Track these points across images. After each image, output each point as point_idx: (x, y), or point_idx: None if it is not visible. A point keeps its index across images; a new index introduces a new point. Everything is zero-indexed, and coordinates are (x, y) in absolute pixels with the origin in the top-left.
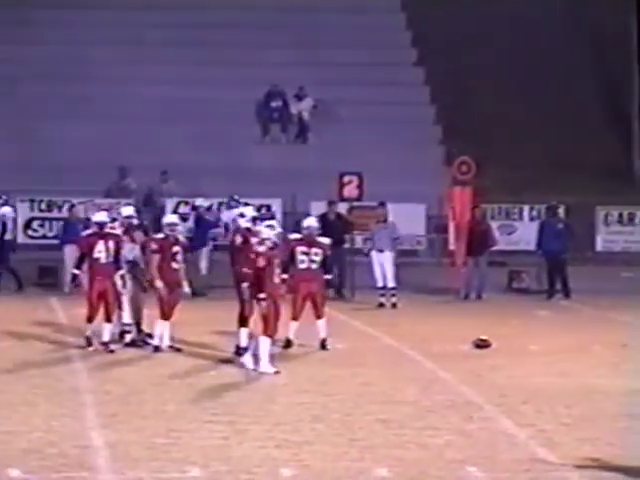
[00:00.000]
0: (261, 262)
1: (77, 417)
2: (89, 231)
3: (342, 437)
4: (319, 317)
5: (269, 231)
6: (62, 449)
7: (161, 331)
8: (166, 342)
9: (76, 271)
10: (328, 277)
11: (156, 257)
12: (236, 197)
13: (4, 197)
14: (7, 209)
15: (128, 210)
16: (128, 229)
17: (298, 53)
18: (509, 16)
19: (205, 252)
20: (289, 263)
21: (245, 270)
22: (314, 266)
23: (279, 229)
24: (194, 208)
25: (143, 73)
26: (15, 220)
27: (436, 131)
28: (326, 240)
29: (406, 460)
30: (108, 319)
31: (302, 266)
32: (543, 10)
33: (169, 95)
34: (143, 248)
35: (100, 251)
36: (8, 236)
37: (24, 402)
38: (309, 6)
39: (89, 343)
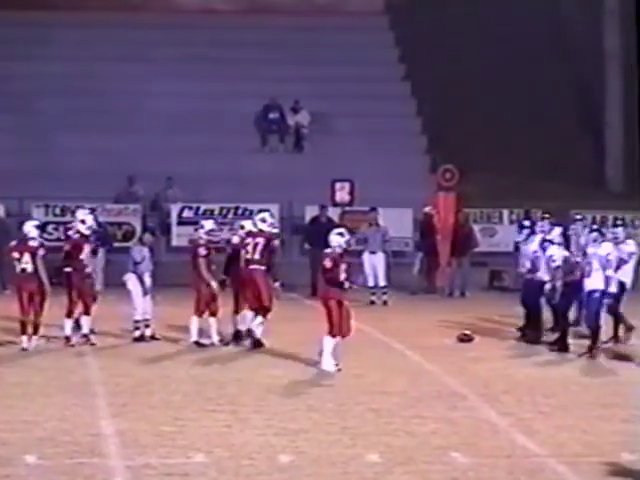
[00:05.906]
0: (328, 263)
1: (89, 407)
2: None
3: (335, 425)
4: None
5: (338, 238)
6: (75, 437)
7: (197, 327)
8: (215, 338)
9: None
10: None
11: (204, 260)
12: None
13: None
14: None
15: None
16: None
17: (294, 69)
18: (490, 33)
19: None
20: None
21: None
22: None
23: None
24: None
25: (150, 88)
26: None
27: (422, 141)
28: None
29: (395, 447)
30: (87, 312)
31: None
32: (523, 27)
33: (174, 108)
34: (152, 250)
35: (27, 262)
36: None
37: (40, 393)
38: (305, 26)
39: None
